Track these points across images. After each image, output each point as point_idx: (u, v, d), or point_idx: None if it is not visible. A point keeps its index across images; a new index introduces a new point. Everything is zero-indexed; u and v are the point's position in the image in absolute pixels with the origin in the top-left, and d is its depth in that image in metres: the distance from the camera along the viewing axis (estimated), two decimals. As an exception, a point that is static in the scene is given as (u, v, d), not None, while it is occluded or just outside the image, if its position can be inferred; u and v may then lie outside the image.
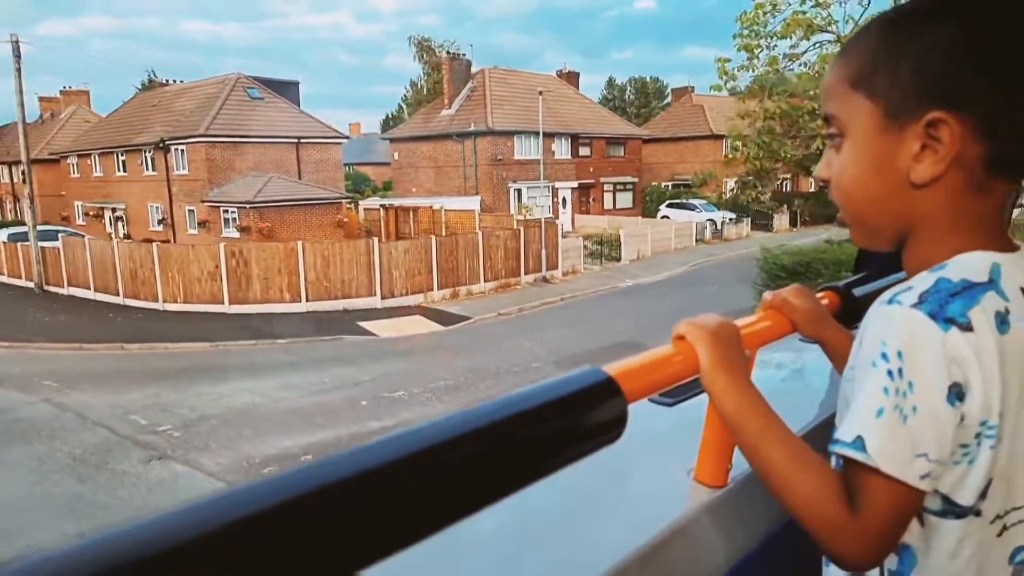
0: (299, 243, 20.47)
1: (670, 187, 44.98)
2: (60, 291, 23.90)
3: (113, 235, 36.06)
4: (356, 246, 20.94)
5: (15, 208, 47.38)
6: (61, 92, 48.07)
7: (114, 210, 36.90)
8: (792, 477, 0.72)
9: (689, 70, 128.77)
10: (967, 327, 0.67)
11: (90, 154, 38.09)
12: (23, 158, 23.90)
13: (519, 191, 36.82)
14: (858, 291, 1.15)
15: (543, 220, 25.68)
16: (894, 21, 0.76)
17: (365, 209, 34.12)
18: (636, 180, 42.46)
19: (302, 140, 33.71)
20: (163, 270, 20.48)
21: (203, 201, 31.03)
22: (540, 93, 29.10)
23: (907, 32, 0.74)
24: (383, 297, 20.82)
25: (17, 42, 23.01)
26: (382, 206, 33.15)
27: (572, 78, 44.92)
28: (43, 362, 15.69)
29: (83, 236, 26.81)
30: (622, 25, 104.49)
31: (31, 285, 24.54)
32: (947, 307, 0.67)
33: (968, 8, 0.73)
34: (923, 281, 0.71)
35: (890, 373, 0.66)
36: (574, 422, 0.67)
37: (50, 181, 44.59)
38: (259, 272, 20.04)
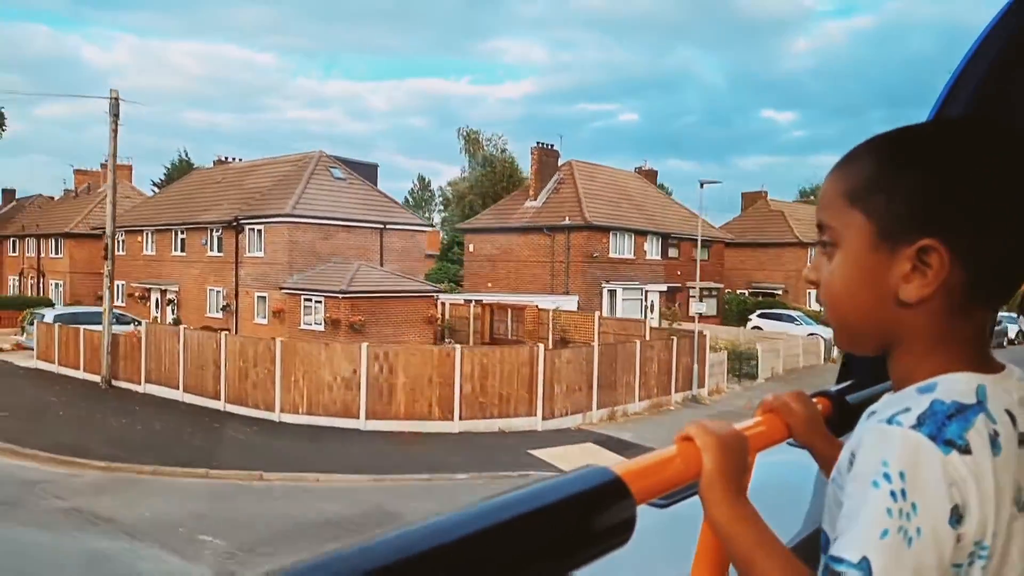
0: (457, 347, 16.97)
1: (747, 294, 42.24)
2: (134, 388, 20.02)
3: (159, 319, 32.39)
4: (518, 354, 17.42)
5: (40, 284, 43.65)
6: (101, 166, 45.25)
7: (164, 292, 33.30)
8: None
9: (670, 179, 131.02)
10: (966, 450, 0.68)
11: (141, 231, 34.82)
12: (108, 229, 20.52)
13: (613, 292, 33.73)
14: (851, 399, 1.15)
15: (696, 329, 22.45)
16: (893, 145, 0.79)
17: (451, 304, 30.75)
18: (721, 286, 39.66)
19: (387, 226, 30.69)
20: (285, 372, 16.81)
21: (280, 288, 27.58)
22: (703, 185, 26.38)
23: (904, 159, 0.77)
24: (544, 417, 17.20)
25: (117, 99, 20.04)
26: (474, 301, 29.82)
27: (651, 175, 42.81)
28: (171, 498, 11.81)
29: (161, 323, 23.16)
30: (606, 134, 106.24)
31: (96, 379, 20.63)
32: (945, 429, 0.68)
33: (961, 144, 0.76)
34: (917, 402, 0.72)
35: (893, 494, 0.66)
36: (584, 525, 0.64)
37: (84, 257, 41.09)
38: (405, 381, 16.43)
